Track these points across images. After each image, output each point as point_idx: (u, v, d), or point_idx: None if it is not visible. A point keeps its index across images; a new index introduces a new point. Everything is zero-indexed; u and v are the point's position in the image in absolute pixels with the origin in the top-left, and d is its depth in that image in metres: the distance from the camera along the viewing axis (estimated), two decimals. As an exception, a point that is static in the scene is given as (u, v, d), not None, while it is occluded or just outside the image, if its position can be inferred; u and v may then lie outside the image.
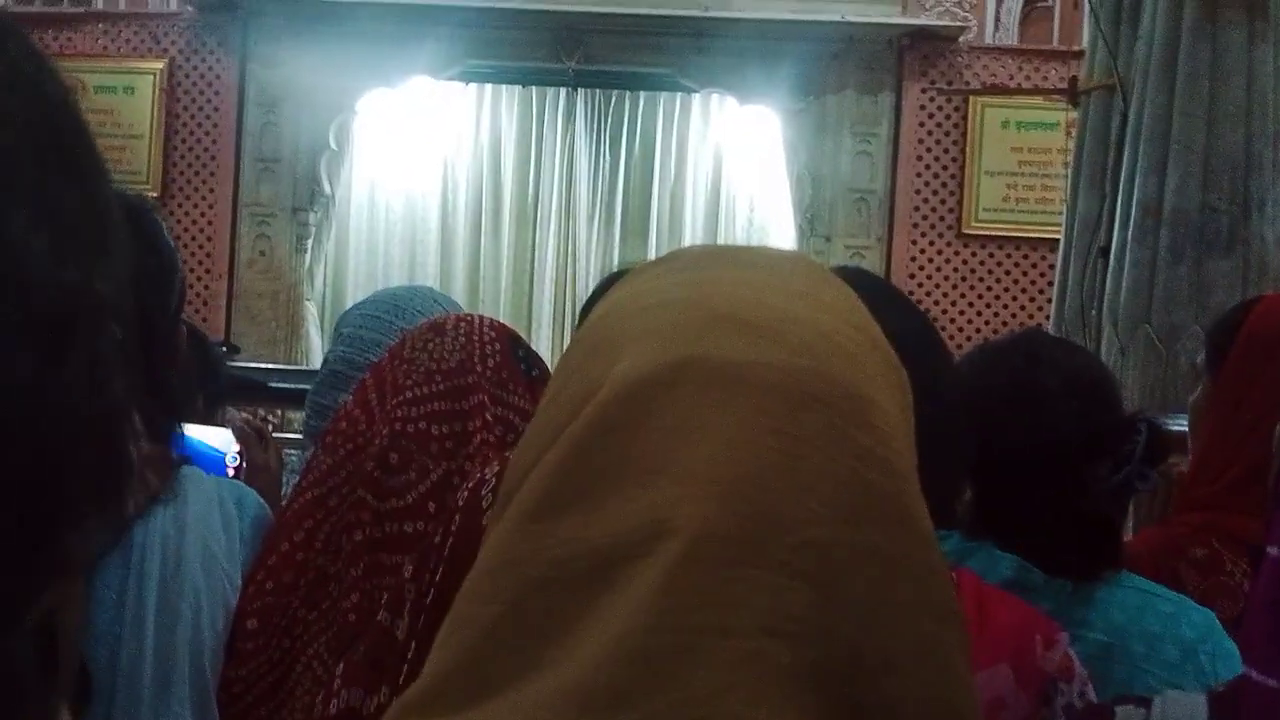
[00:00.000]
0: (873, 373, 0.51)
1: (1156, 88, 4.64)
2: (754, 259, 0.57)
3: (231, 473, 1.70)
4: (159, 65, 9.31)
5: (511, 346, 1.43)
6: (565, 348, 0.58)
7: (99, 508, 0.38)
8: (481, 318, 1.49)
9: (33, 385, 0.34)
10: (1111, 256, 4.84)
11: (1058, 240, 6.16)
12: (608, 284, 1.07)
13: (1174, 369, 4.32)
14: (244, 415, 1.92)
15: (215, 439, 1.72)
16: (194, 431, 1.61)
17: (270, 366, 6.12)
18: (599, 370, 0.49)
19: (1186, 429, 2.06)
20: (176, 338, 1.48)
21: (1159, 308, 4.49)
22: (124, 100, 9.32)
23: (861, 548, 0.44)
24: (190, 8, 9.33)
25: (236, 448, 1.72)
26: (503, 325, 1.47)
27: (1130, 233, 4.65)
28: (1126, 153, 4.84)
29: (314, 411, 1.93)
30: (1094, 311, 5.02)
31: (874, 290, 1.20)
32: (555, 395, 0.53)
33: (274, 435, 1.93)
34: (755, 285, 0.52)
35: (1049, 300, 7.76)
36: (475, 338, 1.41)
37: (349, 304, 8.24)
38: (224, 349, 8.04)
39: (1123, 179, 4.86)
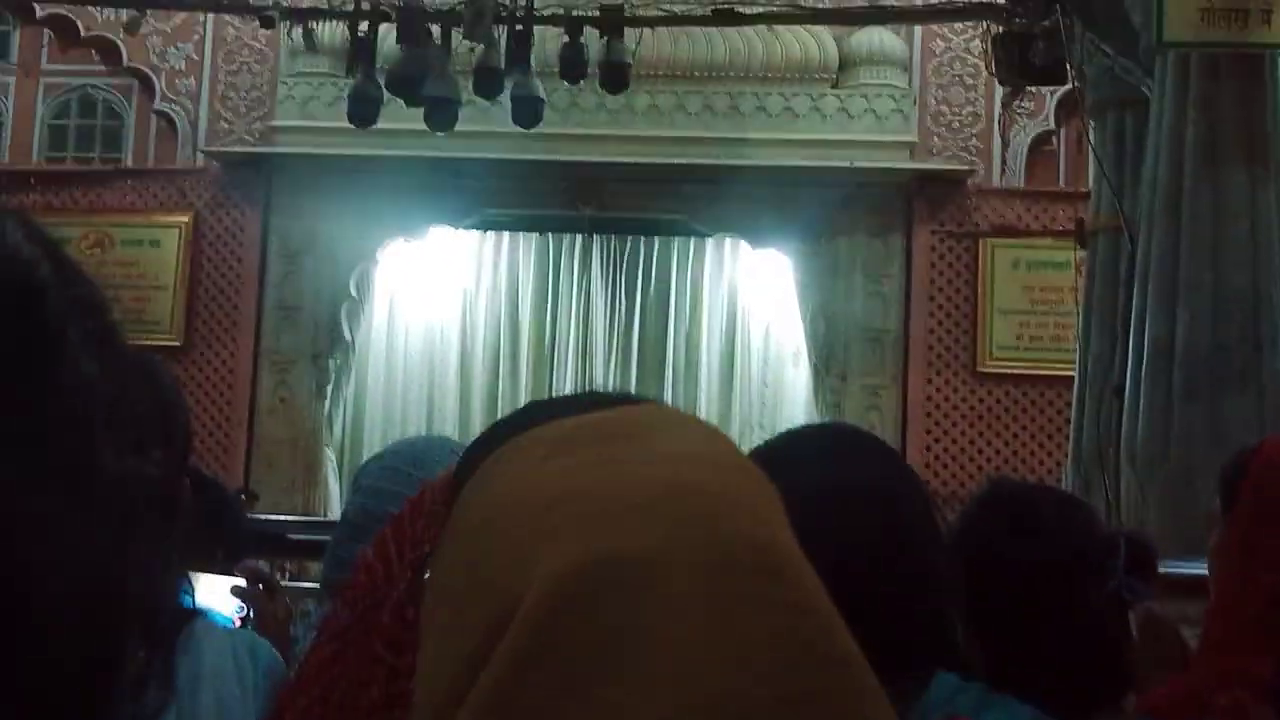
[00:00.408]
0: (767, 515, 0.51)
1: (1162, 229, 4.71)
2: (617, 428, 0.55)
3: (237, 623, 1.70)
4: (184, 219, 9.55)
5: None
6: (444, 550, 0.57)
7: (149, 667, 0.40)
8: None
9: (100, 566, 0.37)
10: (1126, 395, 4.85)
11: (1071, 377, 6.20)
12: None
13: (1194, 509, 4.28)
14: (251, 565, 1.91)
15: (218, 591, 1.72)
16: (200, 583, 1.61)
17: (290, 518, 6.14)
18: (513, 578, 0.48)
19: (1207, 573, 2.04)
20: (180, 488, 1.49)
21: (1177, 447, 4.48)
22: (150, 253, 9.53)
23: (810, 698, 0.45)
24: (216, 164, 9.60)
25: (237, 603, 1.72)
26: None
27: (1144, 371, 4.67)
28: (1136, 292, 4.89)
29: (333, 563, 1.93)
30: (1111, 450, 5.01)
31: (853, 442, 1.22)
32: (460, 608, 0.50)
33: (292, 584, 1.94)
34: (641, 459, 0.52)
35: (1065, 438, 7.76)
36: None
37: (367, 450, 8.30)
38: (243, 497, 8.07)
39: (1133, 318, 4.90)
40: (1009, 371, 9.12)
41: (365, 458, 9.74)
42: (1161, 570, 1.76)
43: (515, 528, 0.50)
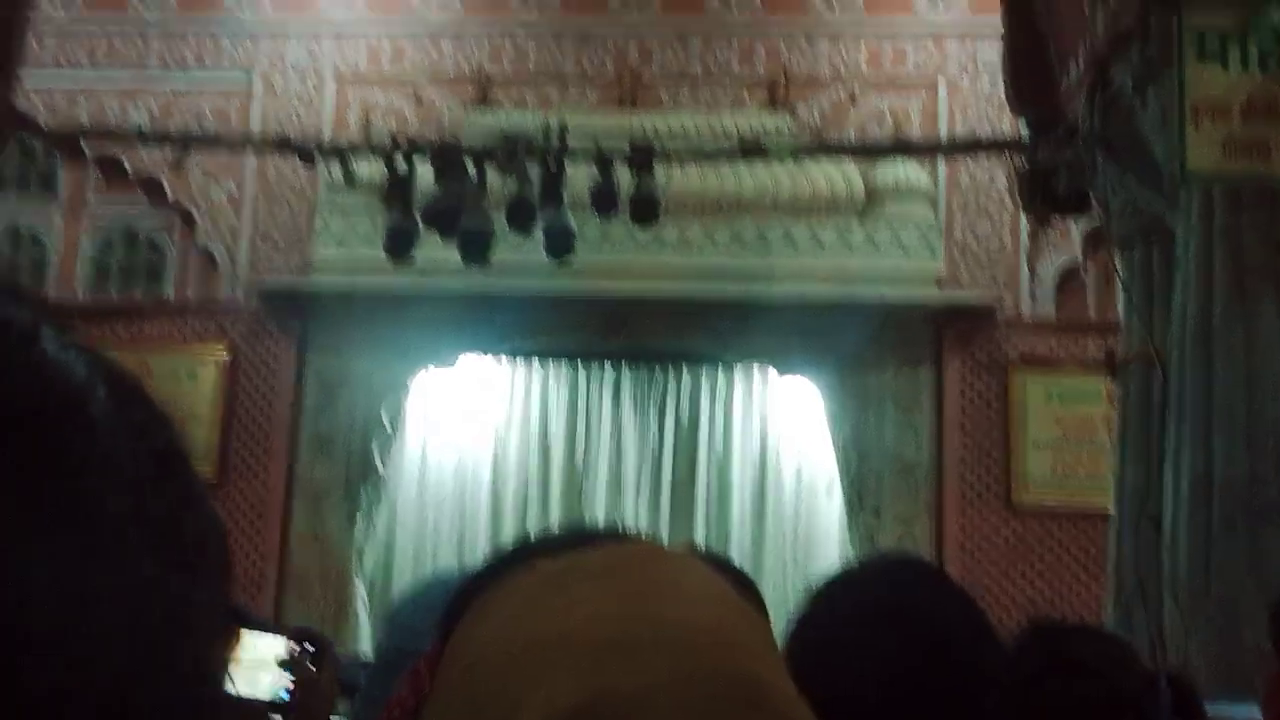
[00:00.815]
0: (758, 651, 0.52)
1: (1194, 361, 4.69)
2: (607, 566, 0.56)
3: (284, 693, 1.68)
4: (222, 351, 9.69)
5: None
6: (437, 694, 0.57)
7: None
8: None
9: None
10: (1165, 528, 4.78)
11: (1109, 513, 6.11)
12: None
13: (1239, 642, 4.17)
14: (302, 628, 1.90)
15: (266, 651, 1.70)
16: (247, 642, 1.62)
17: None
18: (507, 717, 0.48)
19: (1259, 713, 1.99)
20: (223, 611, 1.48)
21: (1218, 580, 4.39)
22: (187, 385, 9.64)
23: None
24: (254, 297, 9.77)
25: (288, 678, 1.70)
26: None
27: (1182, 504, 4.60)
28: (1170, 424, 4.85)
29: (366, 703, 1.91)
30: (1152, 584, 4.91)
31: (922, 577, 1.21)
32: None
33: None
34: (631, 598, 0.53)
35: (1104, 572, 7.61)
36: None
37: (398, 582, 8.22)
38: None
39: (1168, 450, 4.85)
40: (1044, 505, 9.00)
41: (396, 590, 9.69)
42: (1210, 714, 1.71)
43: (508, 668, 0.51)
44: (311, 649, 1.82)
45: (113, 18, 10.36)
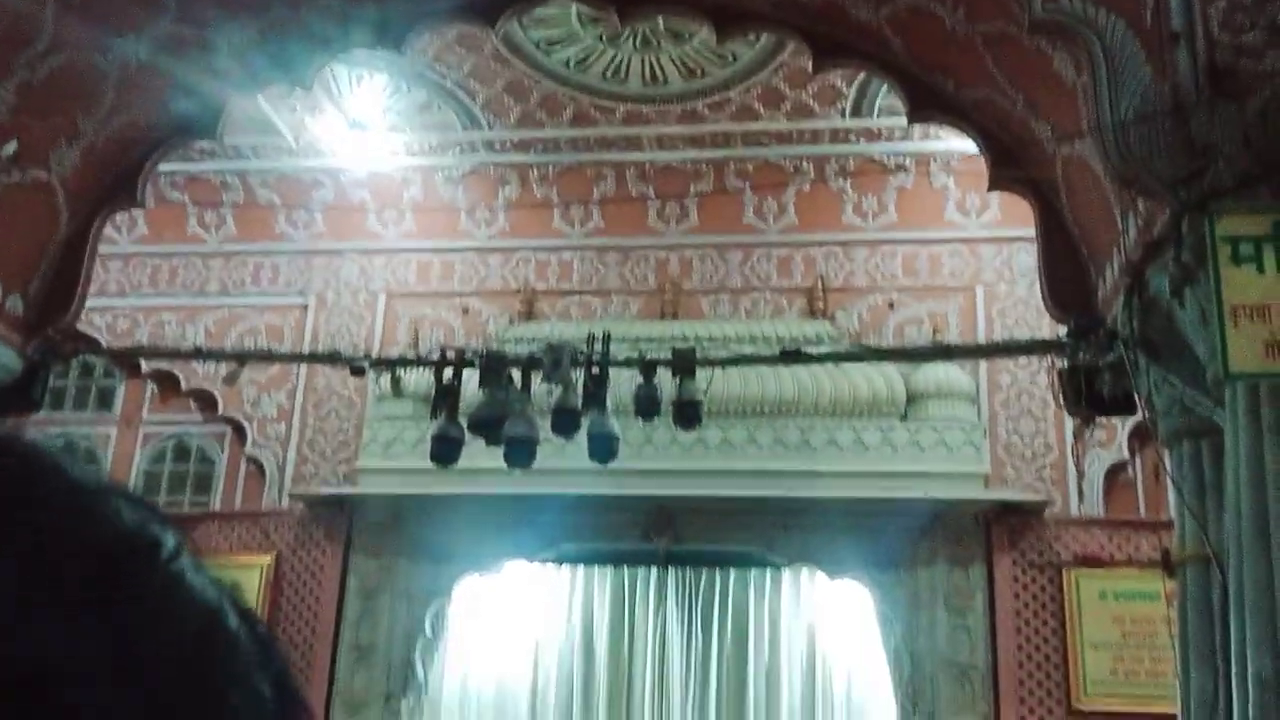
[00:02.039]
0: None
1: (1254, 558, 4.60)
2: None
3: None
4: (267, 559, 9.70)
5: None
6: None
7: None
8: None
9: None
10: (1235, 735, 4.60)
11: (1173, 715, 5.89)
12: None
13: None
14: None
15: None
16: None
17: None
18: None
19: None
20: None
21: (1296, 791, 4.20)
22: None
23: None
24: (300, 505, 9.85)
25: None
26: None
27: (1251, 709, 4.44)
28: (1234, 625, 4.72)
29: None
30: (1226, 796, 4.70)
31: None
32: None
33: None
34: None
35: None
36: None
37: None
38: None
39: (1233, 652, 4.71)
40: (1106, 709, 8.69)
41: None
42: None
43: None
44: None
45: (175, 244, 10.85)
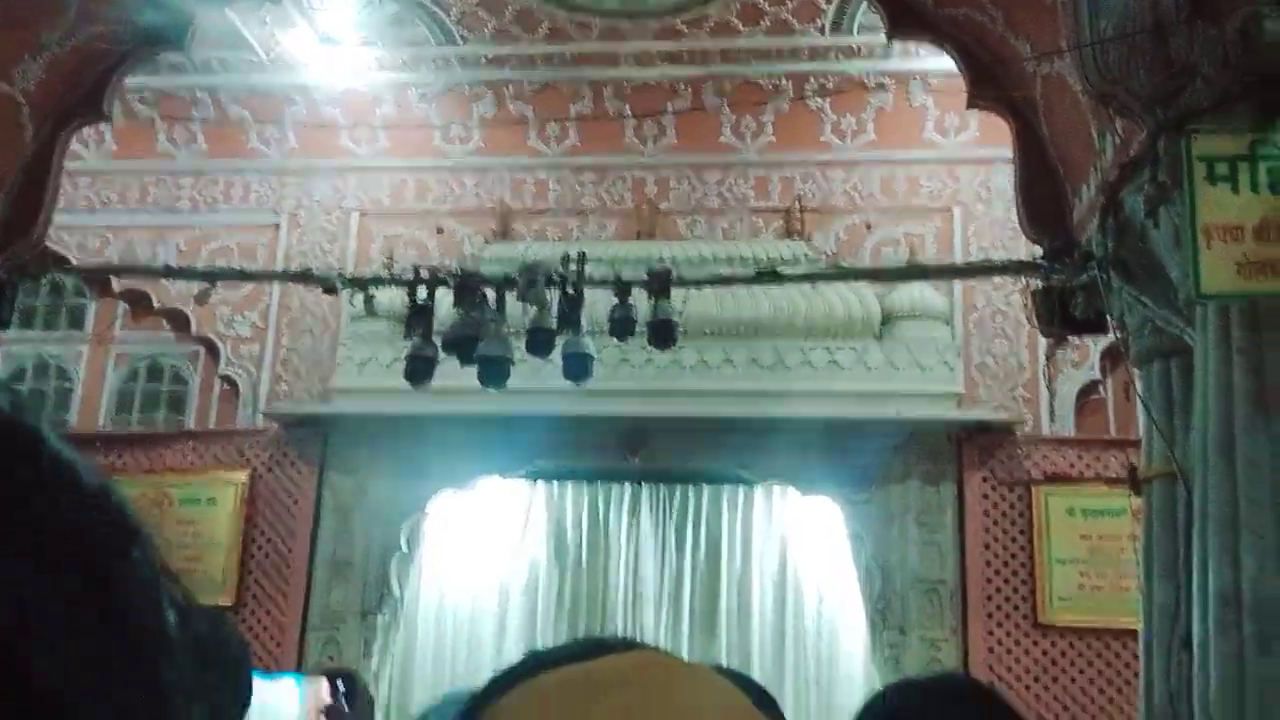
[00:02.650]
0: None
1: (1218, 477, 4.67)
2: (619, 678, 0.57)
3: None
4: (242, 477, 9.72)
5: None
6: None
7: None
8: None
9: None
10: (1195, 648, 4.70)
11: (1137, 629, 6.02)
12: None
13: (1279, 768, 4.08)
14: (331, 671, 1.91)
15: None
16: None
17: None
18: None
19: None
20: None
21: (1253, 701, 4.31)
22: (206, 511, 9.67)
23: None
24: (275, 424, 9.85)
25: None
26: None
27: (1211, 623, 4.54)
28: (1196, 541, 4.81)
29: None
30: (1184, 707, 4.82)
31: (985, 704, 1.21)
32: None
33: None
34: (643, 710, 0.54)
35: (1135, 690, 7.46)
36: None
37: (415, 705, 8.10)
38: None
39: (1195, 567, 4.80)
40: (1071, 623, 8.87)
41: (414, 711, 9.50)
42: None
43: None
44: (343, 687, 1.85)
45: (145, 161, 10.68)
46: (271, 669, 9.34)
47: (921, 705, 1.18)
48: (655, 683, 0.56)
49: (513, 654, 7.91)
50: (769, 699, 1.61)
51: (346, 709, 1.76)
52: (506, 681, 0.60)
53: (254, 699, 1.66)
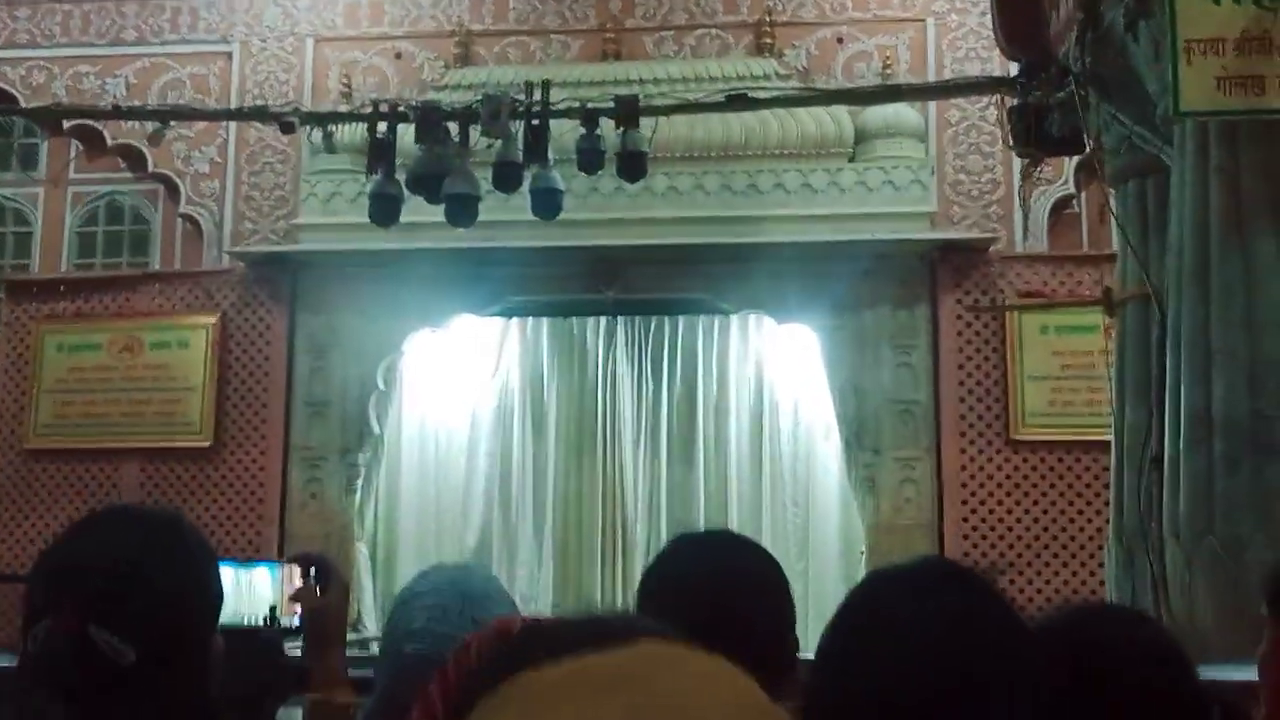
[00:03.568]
0: None
1: (1191, 298, 4.65)
2: (621, 671, 0.56)
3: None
4: (212, 319, 9.62)
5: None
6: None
7: None
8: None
9: None
10: (1165, 466, 4.77)
11: (1108, 442, 6.10)
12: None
13: (1243, 582, 4.18)
14: (304, 555, 1.92)
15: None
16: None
17: None
18: None
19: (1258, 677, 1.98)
20: (210, 650, 1.47)
21: (1221, 518, 4.39)
22: (178, 354, 9.60)
23: None
24: (241, 264, 9.70)
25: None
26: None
27: (1182, 442, 4.59)
28: (1169, 361, 4.82)
29: (387, 708, 1.90)
30: (1154, 524, 4.91)
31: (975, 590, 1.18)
32: None
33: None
34: (646, 707, 0.53)
35: (1105, 504, 7.61)
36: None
37: (401, 544, 8.19)
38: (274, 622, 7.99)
39: (1168, 387, 4.83)
40: (1043, 438, 9.00)
41: (399, 551, 9.64)
42: (1211, 675, 1.70)
43: None
44: (315, 572, 1.84)
45: (85, -11, 10.21)
46: (257, 509, 9.46)
47: (897, 598, 1.15)
48: (662, 680, 0.55)
49: (494, 488, 7.94)
50: (774, 564, 1.66)
51: (319, 593, 1.75)
52: (504, 667, 0.58)
53: (230, 587, 1.66)
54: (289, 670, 2.21)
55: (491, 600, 1.90)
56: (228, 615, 1.58)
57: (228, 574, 1.68)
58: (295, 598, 1.78)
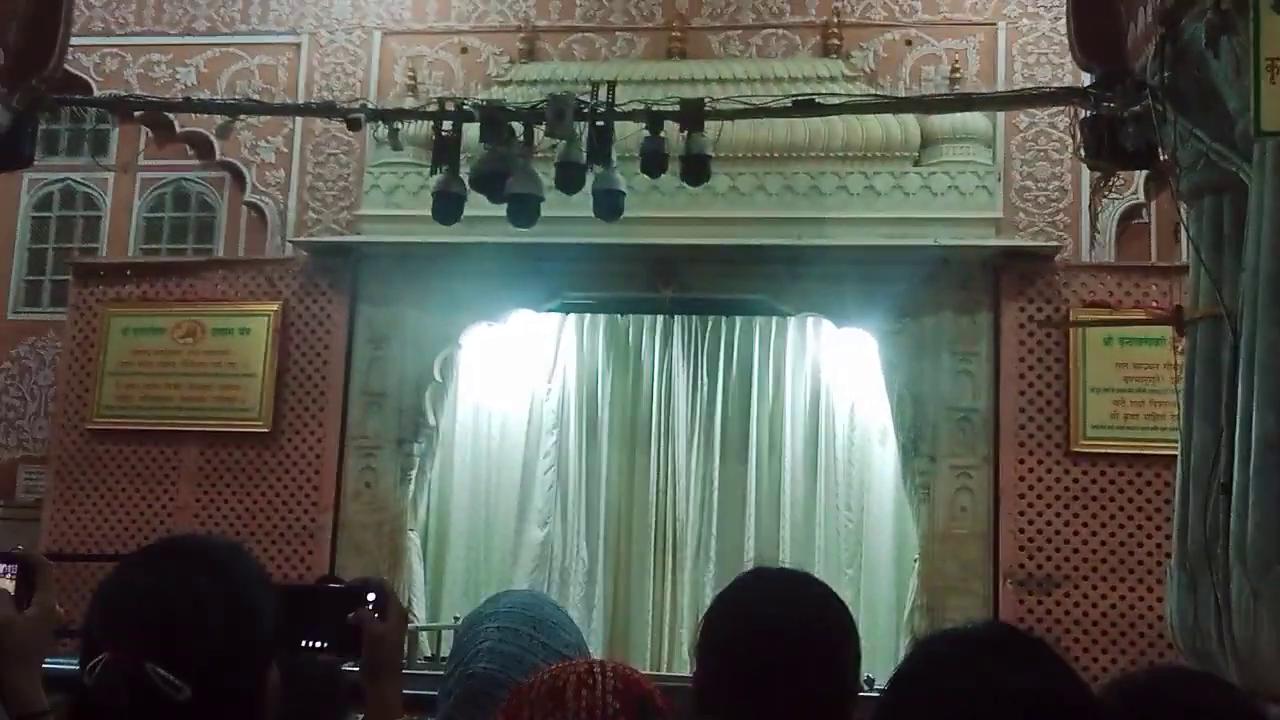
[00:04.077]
0: None
1: (1267, 319, 4.53)
2: None
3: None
4: (274, 307, 9.71)
5: (639, 713, 1.36)
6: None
7: None
8: (604, 674, 1.41)
9: None
10: (1234, 492, 4.66)
11: (1170, 456, 5.98)
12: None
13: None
14: (360, 583, 1.92)
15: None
16: None
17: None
18: None
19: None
20: (266, 684, 1.46)
21: (1291, 550, 4.28)
22: (240, 341, 9.71)
23: None
24: (305, 253, 9.79)
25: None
26: (627, 683, 1.39)
27: (1252, 469, 4.48)
28: (1241, 384, 4.71)
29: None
30: (1220, 549, 4.81)
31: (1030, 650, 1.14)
32: None
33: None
34: None
35: (1166, 519, 7.49)
36: (599, 711, 1.35)
37: (453, 535, 8.24)
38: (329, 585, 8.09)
39: (1239, 411, 4.71)
40: (1103, 451, 8.86)
41: (450, 541, 9.70)
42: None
43: None
44: (373, 599, 1.83)
45: (159, -21, 10.35)
46: (312, 497, 9.54)
47: (963, 660, 1.12)
48: None
49: (547, 484, 7.98)
50: (830, 595, 1.65)
51: (379, 619, 1.74)
52: None
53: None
54: (346, 689, 2.21)
55: (559, 627, 1.90)
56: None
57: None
58: (355, 622, 1.77)
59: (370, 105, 7.93)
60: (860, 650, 1.63)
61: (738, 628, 1.54)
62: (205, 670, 1.31)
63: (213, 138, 9.51)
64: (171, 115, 9.74)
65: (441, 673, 2.07)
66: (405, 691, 1.92)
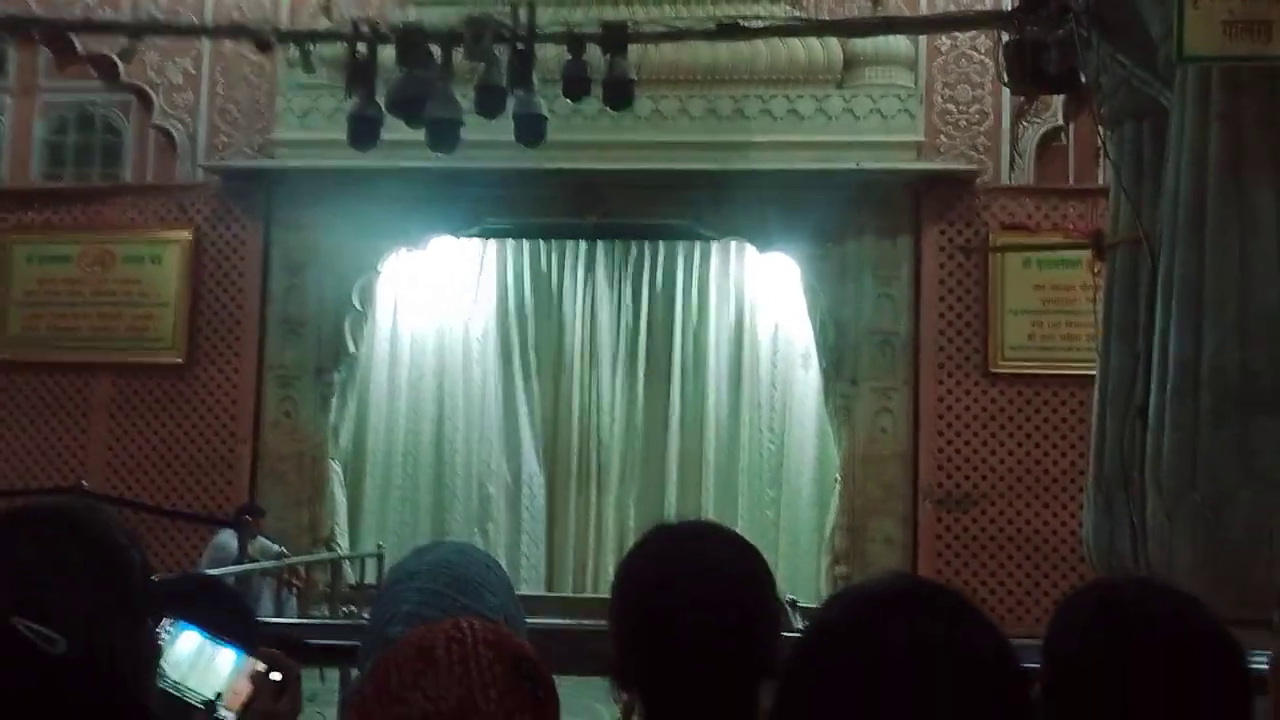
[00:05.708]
0: None
1: (1185, 245, 4.58)
2: None
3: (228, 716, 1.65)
4: (185, 234, 9.45)
5: (513, 668, 1.33)
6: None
7: None
8: (475, 633, 1.37)
9: None
10: (1150, 417, 4.73)
11: (1086, 377, 6.08)
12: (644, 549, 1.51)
13: (1224, 538, 4.18)
14: (272, 653, 1.82)
15: (219, 668, 1.67)
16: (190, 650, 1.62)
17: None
18: None
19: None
20: (140, 636, 1.46)
21: (1204, 473, 4.36)
22: (151, 269, 9.45)
23: None
24: (216, 178, 9.50)
25: (237, 686, 1.66)
26: (499, 639, 1.36)
27: (1168, 393, 4.54)
28: (1159, 309, 4.76)
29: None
30: (1135, 473, 4.90)
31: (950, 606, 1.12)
32: None
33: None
34: None
35: (1081, 439, 7.64)
36: (473, 665, 1.30)
37: (370, 464, 8.12)
38: (248, 514, 7.97)
39: (1156, 336, 4.78)
40: (1021, 371, 9.01)
41: (368, 470, 9.59)
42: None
43: None
44: (278, 677, 1.76)
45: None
46: (230, 427, 9.36)
47: (872, 616, 1.08)
48: None
49: (471, 411, 7.91)
50: (757, 555, 1.60)
51: (276, 698, 1.72)
52: None
53: (191, 654, 1.67)
54: (269, 638, 2.16)
55: (484, 587, 1.82)
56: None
57: (193, 640, 1.65)
58: (253, 684, 1.71)
59: (282, 27, 7.64)
60: (779, 614, 1.61)
61: (652, 603, 1.49)
62: (76, 625, 1.30)
63: (116, 59, 9.13)
64: (73, 35, 9.31)
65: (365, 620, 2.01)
66: (332, 641, 1.88)
